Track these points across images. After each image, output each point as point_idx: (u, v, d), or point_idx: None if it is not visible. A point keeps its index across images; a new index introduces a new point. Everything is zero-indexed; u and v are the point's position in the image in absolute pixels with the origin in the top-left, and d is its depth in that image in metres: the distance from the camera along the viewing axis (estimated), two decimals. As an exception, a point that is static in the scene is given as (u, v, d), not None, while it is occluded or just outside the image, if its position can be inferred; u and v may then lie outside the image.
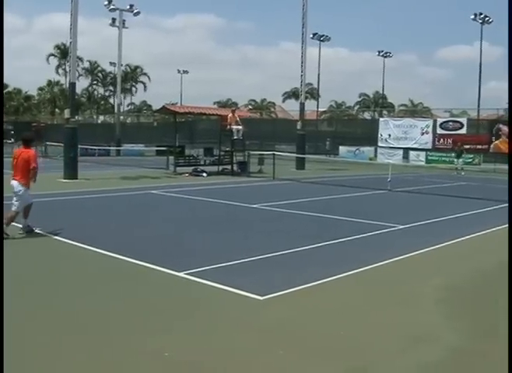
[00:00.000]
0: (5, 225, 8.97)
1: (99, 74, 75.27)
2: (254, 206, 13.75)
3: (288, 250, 8.49)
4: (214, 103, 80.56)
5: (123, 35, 44.64)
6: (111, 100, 76.31)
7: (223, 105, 76.53)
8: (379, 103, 73.11)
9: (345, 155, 37.18)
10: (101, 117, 70.02)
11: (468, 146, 31.25)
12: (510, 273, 6.33)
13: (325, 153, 37.55)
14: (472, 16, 48.42)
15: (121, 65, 50.24)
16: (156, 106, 67.12)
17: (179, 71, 77.46)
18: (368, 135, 37.93)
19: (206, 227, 10.77)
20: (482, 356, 4.84)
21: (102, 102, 77.81)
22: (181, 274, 6.96)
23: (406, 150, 34.88)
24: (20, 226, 9.45)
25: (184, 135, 40.31)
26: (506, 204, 15.08)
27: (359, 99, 76.65)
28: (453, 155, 29.52)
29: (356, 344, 5.00)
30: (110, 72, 72.55)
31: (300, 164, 29.47)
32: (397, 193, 17.99)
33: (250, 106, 79.04)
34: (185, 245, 8.89)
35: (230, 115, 24.66)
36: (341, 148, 38.15)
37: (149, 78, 76.81)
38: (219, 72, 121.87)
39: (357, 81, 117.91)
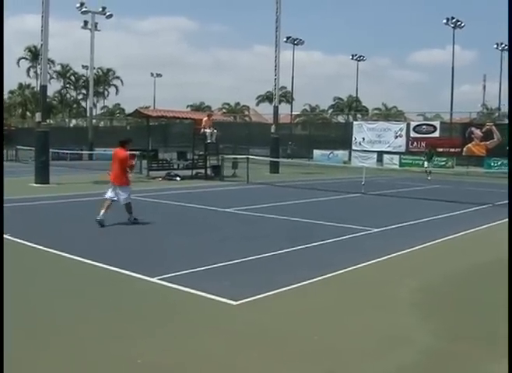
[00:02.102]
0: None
1: (72, 77, 74.45)
2: (228, 210, 13.70)
3: (262, 254, 8.46)
4: (187, 107, 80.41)
5: (95, 37, 44.26)
6: (84, 103, 75.58)
7: (197, 108, 76.41)
8: (353, 107, 73.83)
9: (319, 158, 37.38)
10: (73, 121, 69.23)
11: (441, 149, 31.68)
12: (511, 273, 6.34)
13: (287, 157, 37.75)
14: (444, 21, 49.40)
15: (94, 68, 49.92)
16: (129, 110, 66.79)
17: (152, 75, 77.15)
18: (342, 139, 38.23)
19: (180, 231, 10.68)
20: (456, 357, 4.87)
21: (74, 106, 76.89)
22: (155, 280, 6.87)
23: (380, 153, 35.26)
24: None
25: (158, 139, 40.02)
26: (478, 207, 15.35)
27: (333, 103, 77.43)
28: (423, 158, 29.22)
29: (331, 348, 4.99)
30: (83, 75, 71.85)
31: (274, 168, 29.52)
32: (371, 197, 18.11)
33: (223, 110, 79.04)
34: (159, 250, 8.79)
35: (205, 119, 24.59)
36: (315, 151, 38.38)
37: (122, 82, 76.38)
38: (193, 75, 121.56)
39: (331, 84, 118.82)
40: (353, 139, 36.62)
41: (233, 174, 25.61)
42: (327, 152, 37.56)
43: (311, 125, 47.82)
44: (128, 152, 11.33)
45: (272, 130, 30.75)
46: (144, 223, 11.54)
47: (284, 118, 54.85)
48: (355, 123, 38.98)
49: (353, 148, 36.67)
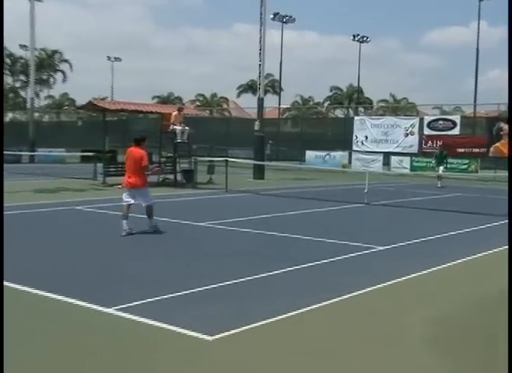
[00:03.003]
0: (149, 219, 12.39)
1: (7, 60, 73.50)
2: (203, 224, 13.70)
3: (244, 278, 8.46)
4: (153, 98, 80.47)
5: (36, 9, 43.99)
6: (23, 93, 74.87)
7: (164, 100, 76.46)
8: (354, 99, 74.42)
9: (312, 161, 37.63)
10: (10, 114, 68.70)
11: (462, 150, 31.90)
12: (510, 276, 6.35)
13: (267, 159, 38.00)
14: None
15: (35, 49, 49.29)
16: (80, 101, 66.52)
17: (109, 58, 77.10)
18: (341, 137, 38.57)
19: (143, 250, 10.65)
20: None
21: (11, 95, 76.07)
22: (110, 310, 6.82)
23: (387, 155, 35.65)
24: None
25: (116, 137, 40.03)
26: (506, 221, 15.49)
27: (330, 94, 78.13)
28: (432, 161, 28.62)
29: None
30: (21, 57, 71.01)
31: (259, 172, 29.63)
32: (375, 208, 18.21)
33: (197, 103, 79.21)
34: (116, 274, 8.74)
35: (175, 113, 24.64)
36: (308, 152, 38.66)
37: (71, 66, 75.84)
38: (159, 60, 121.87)
39: (328, 71, 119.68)
40: (354, 138, 36.97)
41: (209, 180, 25.64)
42: (323, 154, 37.85)
43: (303, 121, 48.16)
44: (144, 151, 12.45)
45: (256, 128, 30.88)
46: (99, 241, 11.48)
47: (271, 112, 55.18)
48: (356, 118, 39.40)
49: (354, 148, 37.01)
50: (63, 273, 8.76)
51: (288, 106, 72.37)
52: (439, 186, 26.28)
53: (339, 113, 73.72)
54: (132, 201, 12.34)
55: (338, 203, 18.90)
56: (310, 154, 38.53)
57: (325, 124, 49.66)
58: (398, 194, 22.73)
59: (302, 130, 44.02)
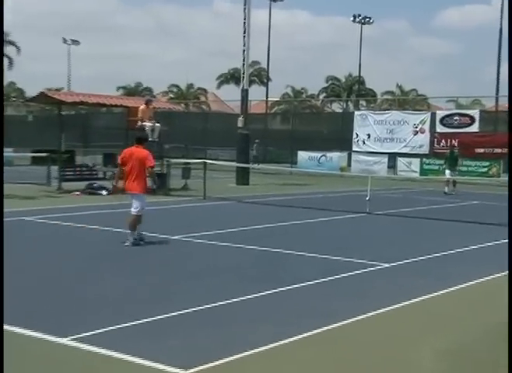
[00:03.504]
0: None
1: None
2: (176, 237, 13.69)
3: (223, 301, 8.45)
4: (118, 89, 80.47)
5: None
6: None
7: (131, 92, 76.35)
8: (354, 90, 74.74)
9: (305, 163, 37.75)
10: None
11: (481, 150, 31.99)
12: (510, 283, 6.36)
13: (254, 161, 38.04)
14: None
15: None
16: (31, 92, 66.09)
17: (65, 41, 76.53)
18: (338, 136, 38.72)
19: (106, 269, 10.61)
20: None
21: None
22: (65, 341, 6.77)
23: (393, 156, 35.83)
24: None
25: (74, 135, 39.85)
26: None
27: (326, 85, 78.38)
28: (442, 163, 28.65)
29: None
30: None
31: (243, 177, 29.64)
32: (379, 218, 18.28)
33: (170, 95, 79.17)
34: (74, 297, 8.69)
35: (143, 107, 24.61)
36: (300, 153, 38.77)
37: (19, 50, 75.14)
38: (125, 44, 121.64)
39: (323, 59, 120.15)
40: (354, 136, 37.12)
41: (184, 186, 25.60)
42: (318, 155, 37.97)
43: (295, 116, 48.33)
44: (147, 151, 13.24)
45: (240, 124, 30.89)
46: (52, 258, 11.42)
47: (257, 107, 55.33)
48: (357, 113, 39.59)
49: (354, 148, 37.16)
50: (7, 299, 8.69)
51: (277, 99, 72.45)
52: (446, 191, 26.31)
53: (337, 107, 74.23)
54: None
55: (336, 213, 18.94)
56: (302, 155, 38.63)
57: (320, 120, 49.85)
58: (405, 202, 22.81)
59: (293, 127, 44.13)
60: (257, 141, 41.71)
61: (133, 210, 12.94)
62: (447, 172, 27.02)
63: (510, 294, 5.40)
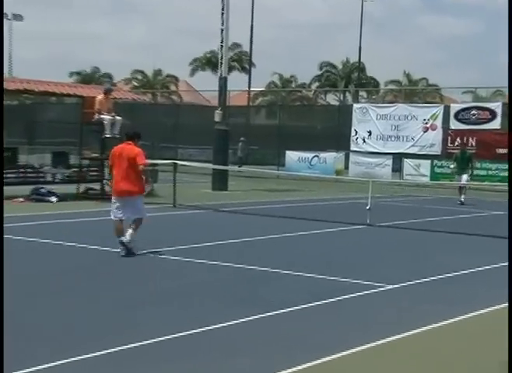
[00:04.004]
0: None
1: None
2: (140, 253, 13.62)
3: (196, 329, 8.42)
4: (71, 76, 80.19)
5: None
6: None
7: (87, 79, 76.14)
8: (353, 79, 75.07)
9: (294, 166, 37.81)
10: None
11: (502, 151, 31.96)
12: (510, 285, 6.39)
13: (237, 163, 38.13)
14: None
15: None
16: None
17: (6, 16, 76.21)
18: (334, 133, 38.84)
19: (55, 289, 10.57)
20: None
21: None
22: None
23: (398, 157, 35.99)
24: None
25: (17, 130, 39.64)
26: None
27: (320, 73, 78.56)
28: (451, 166, 28.35)
29: None
30: None
31: (220, 181, 29.62)
32: (381, 230, 18.34)
33: (134, 83, 79.09)
34: (13, 324, 8.64)
35: (101, 97, 24.53)
36: (288, 154, 38.83)
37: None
38: (78, 21, 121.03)
39: (317, 41, 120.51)
40: (353, 133, 37.20)
41: (150, 191, 25.53)
42: (309, 155, 38.07)
43: (283, 109, 48.29)
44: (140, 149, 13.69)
45: (217, 119, 30.85)
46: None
47: (238, 98, 55.27)
48: (356, 106, 39.64)
49: (353, 148, 37.24)
50: None
51: (262, 89, 72.66)
52: (462, 200, 26.00)
53: (332, 99, 74.20)
54: (123, 216, 13.43)
55: (330, 225, 18.96)
56: (291, 156, 38.71)
57: (313, 115, 49.84)
58: (412, 212, 22.86)
59: (280, 122, 43.99)
60: (242, 139, 41.77)
61: (134, 216, 13.47)
62: (464, 176, 26.52)
63: (509, 296, 5.54)
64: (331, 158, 37.33)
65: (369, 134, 36.75)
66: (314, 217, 20.44)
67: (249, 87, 62.78)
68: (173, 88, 78.51)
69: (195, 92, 72.28)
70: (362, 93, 70.82)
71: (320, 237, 17.22)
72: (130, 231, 13.27)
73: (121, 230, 13.36)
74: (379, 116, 36.76)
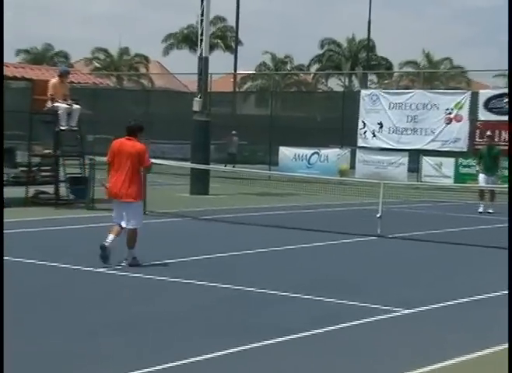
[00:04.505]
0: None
1: None
2: (103, 270, 13.68)
3: (169, 363, 8.42)
4: (17, 54, 79.86)
5: None
6: None
7: (38, 58, 75.91)
8: (360, 60, 75.07)
9: (289, 165, 37.93)
10: None
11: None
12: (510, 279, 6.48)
13: (228, 161, 38.08)
14: None
15: None
16: None
17: None
18: (337, 125, 38.82)
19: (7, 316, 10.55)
20: None
21: None
22: None
23: (415, 154, 36.10)
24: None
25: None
26: None
27: (321, 52, 78.49)
28: (474, 162, 28.47)
29: None
30: None
31: (200, 183, 29.64)
32: (395, 243, 18.41)
33: (96, 63, 78.89)
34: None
35: (55, 81, 24.46)
36: (282, 150, 38.88)
37: None
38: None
39: (317, 13, 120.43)
40: (360, 126, 37.20)
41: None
42: (308, 152, 38.15)
43: (276, 97, 48.31)
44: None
45: (196, 108, 30.84)
46: None
47: (221, 82, 55.07)
48: (364, 93, 39.59)
49: (360, 143, 37.26)
50: None
51: (250, 72, 72.61)
52: (481, 210, 25.79)
53: (336, 84, 74.31)
54: (123, 223, 14.01)
55: (333, 236, 19.01)
56: (285, 152, 38.80)
57: (312, 103, 49.90)
58: (432, 221, 22.89)
59: (273, 112, 44.02)
60: (234, 132, 41.72)
61: (128, 225, 13.93)
62: (481, 177, 26.33)
63: (509, 298, 5.74)
64: (333, 155, 37.34)
65: (380, 127, 36.78)
66: (314, 226, 20.42)
67: (235, 69, 62.67)
68: (142, 70, 78.39)
69: (170, 75, 72.34)
70: (372, 77, 71.16)
71: (321, 251, 17.30)
72: (111, 236, 13.78)
73: (117, 233, 13.92)
74: (392, 105, 36.79)
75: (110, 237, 13.70)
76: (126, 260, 13.85)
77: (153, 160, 26.32)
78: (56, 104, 24.11)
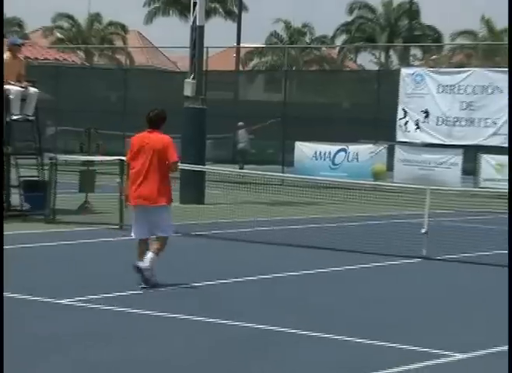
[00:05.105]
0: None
1: None
2: (63, 302, 13.71)
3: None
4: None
5: None
6: None
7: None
8: (400, 30, 75.07)
9: (309, 165, 38.03)
10: None
11: None
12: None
13: (236, 160, 38.17)
14: None
15: None
16: None
17: None
18: (370, 114, 38.83)
19: None
20: None
21: None
22: None
23: (472, 151, 36.01)
24: None
25: None
26: None
27: (350, 20, 78.53)
28: None
29: None
30: None
31: (193, 189, 29.76)
32: (444, 267, 18.43)
33: (58, 34, 78.94)
34: None
35: (5, 57, 24.52)
36: (299, 146, 38.87)
37: None
38: None
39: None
40: (400, 114, 37.16)
41: (83, 206, 25.53)
42: (332, 149, 38.21)
43: (292, 77, 48.33)
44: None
45: (188, 92, 30.92)
46: None
47: (221, 59, 55.34)
48: (405, 72, 39.53)
49: (400, 138, 37.24)
50: None
51: (258, 46, 72.62)
52: None
53: (368, 60, 74.41)
54: (146, 235, 14.89)
55: (366, 258, 19.06)
56: (303, 149, 38.94)
57: (338, 85, 49.72)
58: (493, 239, 22.76)
59: (287, 97, 44.07)
60: (241, 123, 41.67)
61: (161, 233, 14.88)
62: None
63: (509, 292, 5.93)
64: (365, 153, 37.38)
65: (426, 116, 36.76)
66: (340, 246, 20.43)
67: (238, 42, 62.95)
68: (119, 43, 78.39)
69: (153, 49, 72.43)
70: (416, 52, 71.11)
71: (349, 276, 17.37)
72: (150, 254, 14.42)
73: (143, 249, 14.68)
74: (442, 88, 36.80)
75: (146, 256, 14.46)
76: (143, 277, 14.39)
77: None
78: (6, 87, 24.14)
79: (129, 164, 14.73)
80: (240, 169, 38.60)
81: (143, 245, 14.64)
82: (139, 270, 14.13)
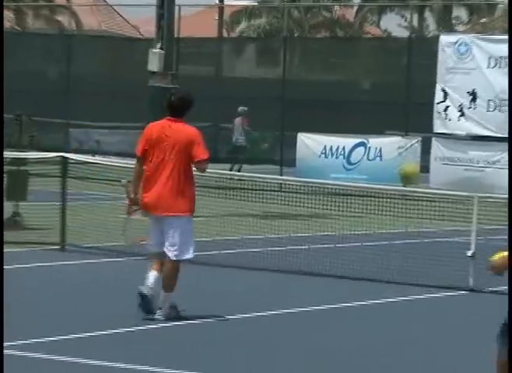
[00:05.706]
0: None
1: None
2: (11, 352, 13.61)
3: None
4: None
5: None
6: None
7: None
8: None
9: (315, 164, 38.11)
10: None
11: None
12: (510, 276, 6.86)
13: (233, 159, 38.35)
14: None
15: None
16: None
17: None
18: (398, 97, 38.91)
19: None
20: None
21: None
22: None
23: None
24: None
25: None
26: None
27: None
28: None
29: None
30: None
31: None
32: (496, 302, 18.34)
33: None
34: None
35: None
36: (303, 139, 38.97)
37: None
38: None
39: None
40: (439, 97, 37.22)
41: (13, 218, 25.57)
42: (348, 143, 38.28)
43: (294, 47, 48.50)
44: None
45: (154, 66, 30.99)
46: None
47: (198, 22, 55.49)
48: (445, 39, 39.65)
49: (438, 129, 37.39)
50: None
51: (249, 3, 72.85)
52: None
53: (395, 24, 74.67)
54: (162, 248, 15.13)
55: (395, 288, 19.17)
56: (308, 143, 39.10)
57: (355, 58, 49.89)
58: None
59: (287, 73, 44.22)
60: (241, 108, 41.65)
61: (171, 252, 14.99)
62: None
63: (509, 291, 6.24)
64: (391, 149, 37.51)
65: (473, 99, 36.87)
66: (358, 273, 20.50)
67: (221, -1, 63.20)
68: (61, 1, 78.66)
69: (108, 8, 72.61)
70: (459, 13, 71.29)
71: (375, 314, 17.46)
72: (152, 275, 15.06)
73: (158, 270, 15.15)
74: (494, 62, 36.91)
75: (151, 277, 14.78)
76: (161, 312, 14.73)
77: (79, 156, 26.55)
78: None
79: (139, 159, 14.72)
80: (238, 171, 38.56)
81: (157, 263, 14.86)
82: (143, 296, 14.41)
